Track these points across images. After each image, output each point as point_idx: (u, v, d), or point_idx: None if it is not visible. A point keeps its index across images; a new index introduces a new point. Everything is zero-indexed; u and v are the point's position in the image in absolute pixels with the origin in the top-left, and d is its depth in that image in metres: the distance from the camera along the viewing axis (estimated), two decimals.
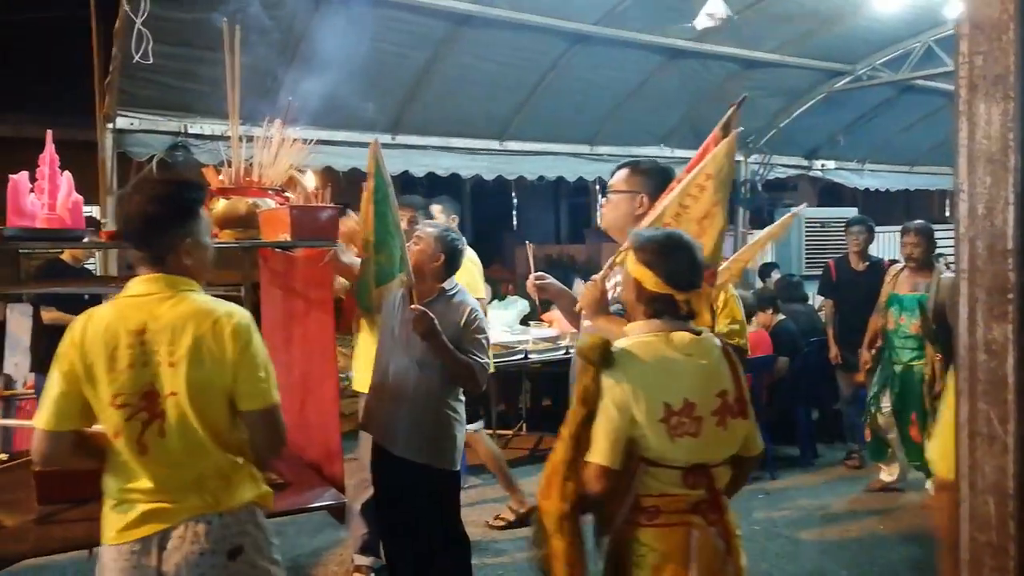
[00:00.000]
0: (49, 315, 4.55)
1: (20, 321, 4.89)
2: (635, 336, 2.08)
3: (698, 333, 2.09)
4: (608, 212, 2.71)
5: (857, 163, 10.33)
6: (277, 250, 2.99)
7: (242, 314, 1.95)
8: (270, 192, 2.83)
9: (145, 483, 1.87)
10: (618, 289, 2.49)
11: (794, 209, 3.53)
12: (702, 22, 5.25)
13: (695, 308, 2.11)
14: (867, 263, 5.65)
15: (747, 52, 7.16)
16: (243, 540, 1.91)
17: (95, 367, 1.85)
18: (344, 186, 5.47)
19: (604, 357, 1.96)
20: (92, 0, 5.18)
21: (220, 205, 2.71)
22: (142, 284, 1.93)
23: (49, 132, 2.52)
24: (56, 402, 1.87)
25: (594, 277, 2.56)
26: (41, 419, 1.89)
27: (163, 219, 1.92)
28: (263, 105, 3.47)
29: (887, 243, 10.66)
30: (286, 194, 2.95)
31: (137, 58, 4.50)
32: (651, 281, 2.06)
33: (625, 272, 2.16)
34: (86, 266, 5.14)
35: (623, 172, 2.72)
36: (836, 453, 5.90)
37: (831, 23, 6.97)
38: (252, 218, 2.73)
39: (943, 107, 9.11)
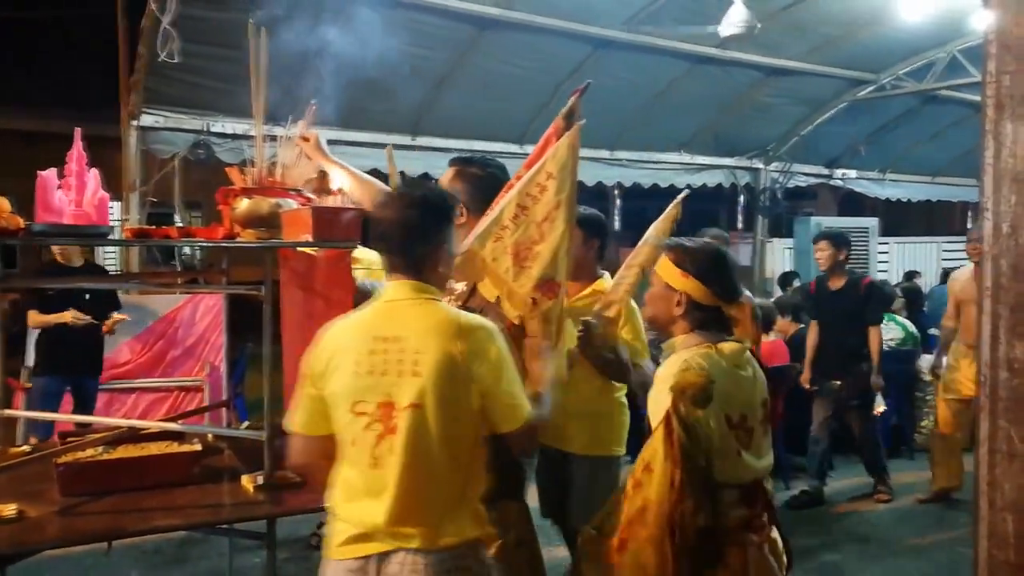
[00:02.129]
0: (35, 319, 4.48)
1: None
2: (688, 349, 1.97)
3: (738, 342, 2.04)
4: None
5: (878, 173, 10.27)
6: (298, 250, 3.01)
7: (492, 328, 1.83)
8: (292, 193, 2.84)
9: (370, 500, 1.76)
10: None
11: (678, 198, 3.11)
12: (726, 30, 5.24)
13: (736, 318, 2.08)
14: (844, 280, 5.02)
15: (770, 60, 7.15)
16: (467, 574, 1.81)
17: (338, 371, 1.78)
18: None
19: (708, 397, 1.82)
20: None
21: (243, 205, 2.73)
22: (393, 289, 1.85)
23: (78, 130, 2.56)
24: (307, 406, 1.83)
25: None
26: (293, 422, 1.85)
27: (425, 226, 1.86)
28: (286, 105, 3.50)
29: (908, 254, 10.59)
30: (309, 194, 2.97)
31: (163, 57, 4.56)
32: (702, 294, 1.99)
33: (662, 285, 2.06)
34: (102, 263, 5.12)
35: (449, 172, 2.43)
36: (852, 467, 5.85)
37: (855, 32, 6.94)
38: (274, 218, 2.74)
39: (967, 117, 9.04)
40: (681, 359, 1.93)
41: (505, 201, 2.15)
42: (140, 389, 5.01)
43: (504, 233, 2.11)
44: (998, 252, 1.09)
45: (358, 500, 1.78)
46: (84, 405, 4.62)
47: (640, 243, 2.89)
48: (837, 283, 5.02)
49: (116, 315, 4.68)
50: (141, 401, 4.99)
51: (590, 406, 2.87)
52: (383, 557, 1.75)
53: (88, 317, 4.49)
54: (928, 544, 4.44)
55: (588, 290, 2.89)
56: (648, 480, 1.80)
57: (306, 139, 2.75)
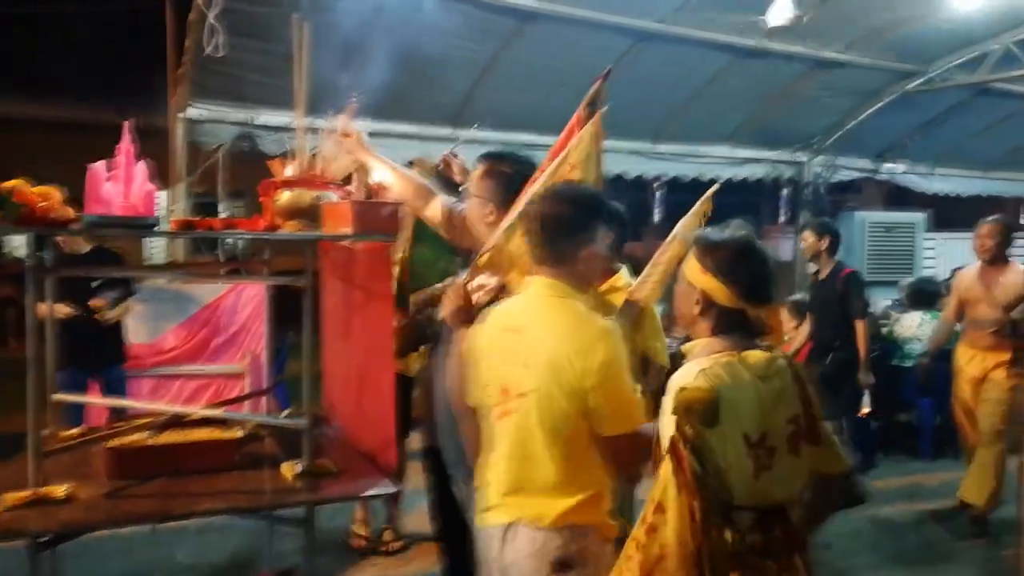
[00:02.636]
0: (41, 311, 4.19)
1: None
2: (706, 357, 1.79)
3: (768, 350, 1.82)
4: (469, 211, 2.53)
5: (927, 167, 10.01)
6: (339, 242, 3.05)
7: (606, 329, 1.93)
8: (333, 185, 2.88)
9: (496, 475, 1.99)
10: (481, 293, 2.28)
11: (709, 192, 2.99)
12: (772, 21, 5.14)
13: (768, 324, 1.84)
14: (828, 270, 4.97)
15: (816, 52, 7.00)
16: (572, 556, 1.89)
17: (477, 355, 2.04)
18: None
19: (715, 416, 1.66)
20: None
21: (284, 197, 2.78)
22: (534, 284, 2.02)
23: (127, 123, 2.62)
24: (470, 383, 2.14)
25: (457, 281, 2.36)
26: (468, 398, 2.13)
27: (565, 223, 1.96)
28: (329, 96, 3.53)
29: (956, 250, 10.31)
30: (348, 187, 3.01)
31: (209, 51, 4.63)
32: (723, 294, 1.79)
33: (684, 281, 1.89)
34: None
35: (479, 169, 2.48)
36: (898, 465, 5.75)
37: (905, 23, 6.77)
38: (315, 210, 2.78)
39: (1021, 111, 8.77)
40: (695, 368, 1.75)
41: (530, 194, 2.16)
42: (185, 376, 5.12)
43: None
44: None
45: (488, 473, 2.03)
46: (112, 394, 4.58)
47: (668, 239, 2.85)
48: (823, 273, 4.96)
49: (95, 300, 4.49)
50: (186, 387, 5.11)
51: None
52: (509, 527, 1.94)
53: (69, 308, 4.28)
54: (969, 550, 4.34)
55: (605, 285, 2.80)
56: (662, 522, 1.63)
57: (347, 135, 2.78)
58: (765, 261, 1.86)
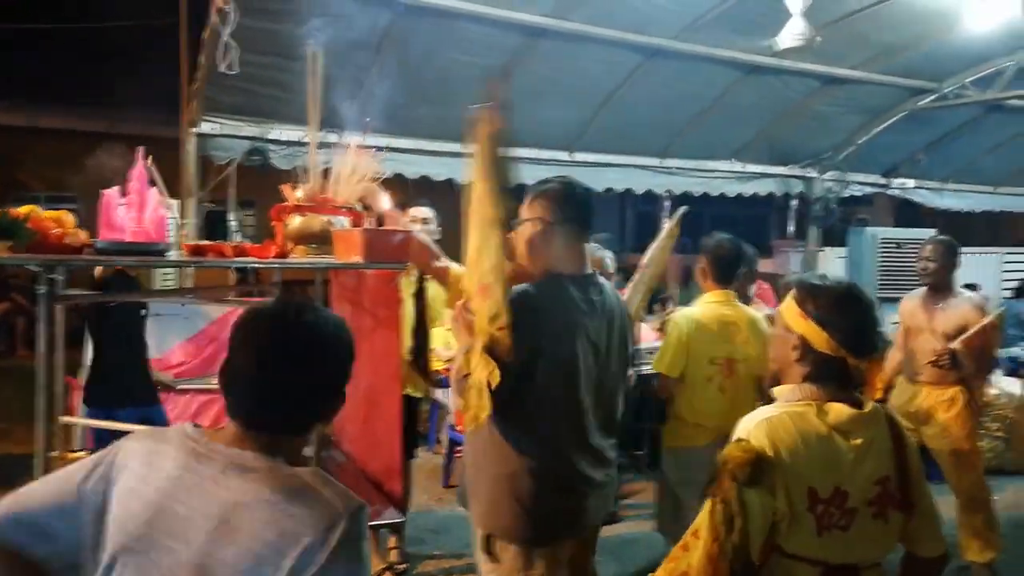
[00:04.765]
0: None
1: None
2: (781, 404, 1.75)
3: (860, 406, 1.74)
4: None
5: (938, 182, 9.97)
6: None
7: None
8: (344, 210, 2.89)
9: (722, 417, 3.07)
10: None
11: (677, 215, 3.15)
12: (784, 42, 5.12)
13: (867, 376, 1.77)
14: None
15: (828, 68, 6.99)
16: None
17: (702, 337, 3.33)
18: (412, 194, 5.57)
19: (755, 476, 1.62)
20: (183, 9, 5.37)
21: (295, 222, 2.79)
22: (727, 296, 3.47)
23: (141, 148, 2.63)
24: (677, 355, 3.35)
25: (458, 304, 2.34)
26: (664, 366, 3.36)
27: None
28: (339, 114, 3.52)
29: (967, 266, 10.22)
30: (361, 209, 3.02)
31: (223, 68, 4.65)
32: (823, 341, 1.72)
33: (780, 325, 1.84)
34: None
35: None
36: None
37: (917, 41, 6.75)
38: (326, 235, 2.79)
39: None
40: (762, 415, 1.72)
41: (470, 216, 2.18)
42: (193, 390, 5.13)
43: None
44: None
45: (710, 415, 3.30)
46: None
47: (643, 262, 2.98)
48: None
49: None
50: (194, 402, 5.11)
51: None
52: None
53: None
54: None
55: None
56: (694, 546, 1.67)
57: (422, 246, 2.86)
58: (869, 309, 1.77)
